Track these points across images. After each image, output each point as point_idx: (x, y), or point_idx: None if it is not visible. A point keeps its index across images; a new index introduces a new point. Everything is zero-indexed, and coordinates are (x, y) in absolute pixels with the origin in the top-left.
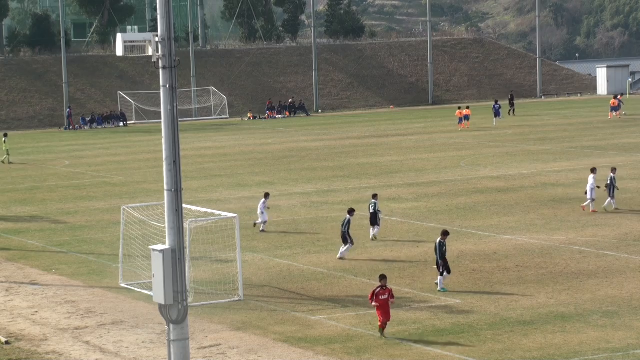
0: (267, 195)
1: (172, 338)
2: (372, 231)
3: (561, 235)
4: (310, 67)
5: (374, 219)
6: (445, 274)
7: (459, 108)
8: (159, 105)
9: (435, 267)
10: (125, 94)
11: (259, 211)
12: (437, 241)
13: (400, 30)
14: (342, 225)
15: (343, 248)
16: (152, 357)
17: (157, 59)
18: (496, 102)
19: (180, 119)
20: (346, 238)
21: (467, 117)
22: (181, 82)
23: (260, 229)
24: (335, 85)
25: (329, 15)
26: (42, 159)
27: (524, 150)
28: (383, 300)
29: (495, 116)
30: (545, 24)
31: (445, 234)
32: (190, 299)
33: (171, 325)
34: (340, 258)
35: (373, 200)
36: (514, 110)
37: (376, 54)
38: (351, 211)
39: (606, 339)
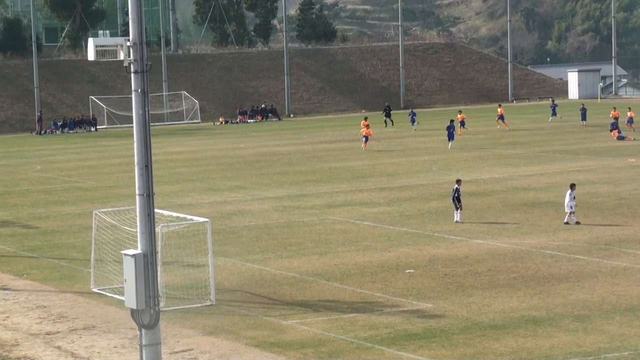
0: (572, 186)
1: (144, 343)
2: (457, 216)
3: (533, 239)
4: (282, 72)
5: (458, 203)
6: None
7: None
8: (130, 109)
9: None
10: (97, 98)
11: (570, 203)
12: None
13: (371, 35)
14: None
15: None
16: None
17: (129, 64)
18: (553, 100)
19: (152, 124)
20: None
21: (366, 139)
22: (153, 86)
23: (574, 221)
24: (307, 90)
25: (301, 20)
26: (14, 163)
27: (496, 154)
28: None
29: (553, 114)
30: (517, 28)
31: None
32: (162, 304)
33: (143, 330)
34: None
35: (456, 186)
36: (392, 122)
37: (348, 58)
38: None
39: (578, 343)
